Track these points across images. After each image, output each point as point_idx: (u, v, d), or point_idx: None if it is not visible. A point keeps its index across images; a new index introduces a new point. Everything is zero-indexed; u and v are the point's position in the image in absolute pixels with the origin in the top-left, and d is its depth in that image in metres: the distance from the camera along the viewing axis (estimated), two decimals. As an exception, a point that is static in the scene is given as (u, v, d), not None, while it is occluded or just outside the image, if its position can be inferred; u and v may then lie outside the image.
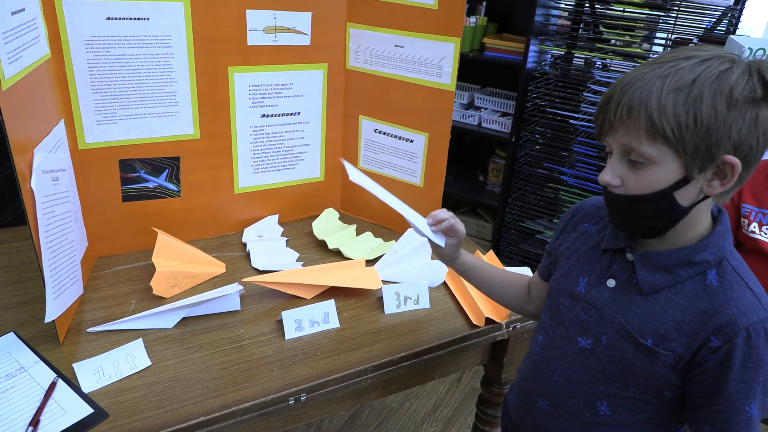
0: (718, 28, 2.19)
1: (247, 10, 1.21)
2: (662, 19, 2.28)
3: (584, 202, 0.87)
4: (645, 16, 2.29)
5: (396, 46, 1.29)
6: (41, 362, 0.95)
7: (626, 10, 2.31)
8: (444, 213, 0.94)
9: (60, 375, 0.93)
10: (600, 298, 0.77)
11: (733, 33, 2.24)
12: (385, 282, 1.21)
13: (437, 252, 0.97)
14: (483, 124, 2.59)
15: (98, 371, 0.93)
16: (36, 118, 0.95)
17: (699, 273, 0.70)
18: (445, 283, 1.28)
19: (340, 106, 1.43)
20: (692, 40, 2.23)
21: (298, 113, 1.38)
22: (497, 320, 1.14)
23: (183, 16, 1.15)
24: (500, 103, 2.62)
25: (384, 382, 1.09)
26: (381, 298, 1.18)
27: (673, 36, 2.27)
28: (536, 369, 0.86)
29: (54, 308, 0.95)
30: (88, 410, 0.87)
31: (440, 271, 1.28)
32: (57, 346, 1.00)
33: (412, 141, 1.36)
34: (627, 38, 2.43)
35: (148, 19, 1.12)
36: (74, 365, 0.93)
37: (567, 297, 0.82)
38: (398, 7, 1.26)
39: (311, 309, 1.10)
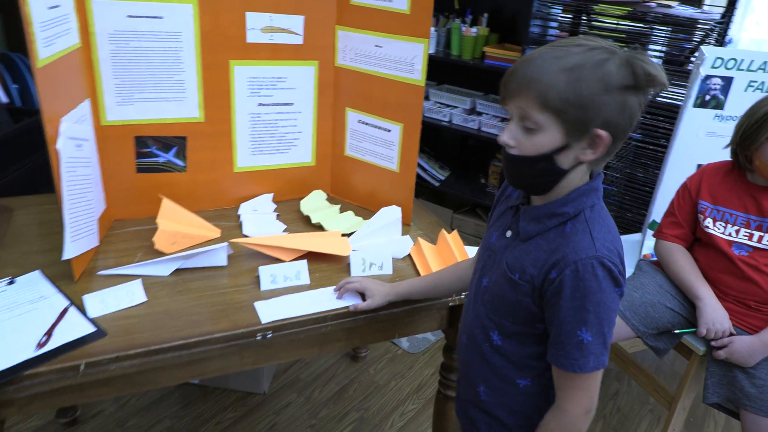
0: (707, 40, 2.31)
1: (246, 12, 1.41)
2: (654, 32, 2.40)
3: None
4: (637, 29, 2.42)
5: (376, 46, 1.47)
6: (59, 293, 1.16)
7: (619, 23, 2.45)
8: (352, 285, 1.21)
9: (72, 303, 1.13)
10: (498, 245, 0.93)
11: (722, 45, 2.35)
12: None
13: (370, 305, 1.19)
14: (482, 128, 2.75)
15: (103, 301, 1.13)
16: (64, 94, 1.17)
17: (561, 223, 0.84)
18: (410, 255, 1.44)
19: (329, 99, 1.62)
20: (683, 53, 2.35)
21: (292, 104, 1.57)
22: (448, 295, 1.30)
23: (192, 16, 1.36)
24: (500, 109, 2.78)
25: (345, 333, 1.26)
26: (350, 265, 1.35)
27: (665, 47, 2.39)
28: (464, 312, 1.03)
29: (70, 250, 1.16)
30: (92, 329, 1.07)
31: (406, 245, 1.44)
32: (72, 283, 1.21)
33: (389, 131, 1.54)
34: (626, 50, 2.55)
35: (162, 17, 1.33)
36: (84, 297, 1.14)
37: (484, 248, 0.98)
38: (378, 12, 1.44)
39: (285, 266, 1.28)
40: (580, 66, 0.76)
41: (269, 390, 2.06)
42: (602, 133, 0.78)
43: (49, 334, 1.04)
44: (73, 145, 1.18)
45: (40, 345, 1.01)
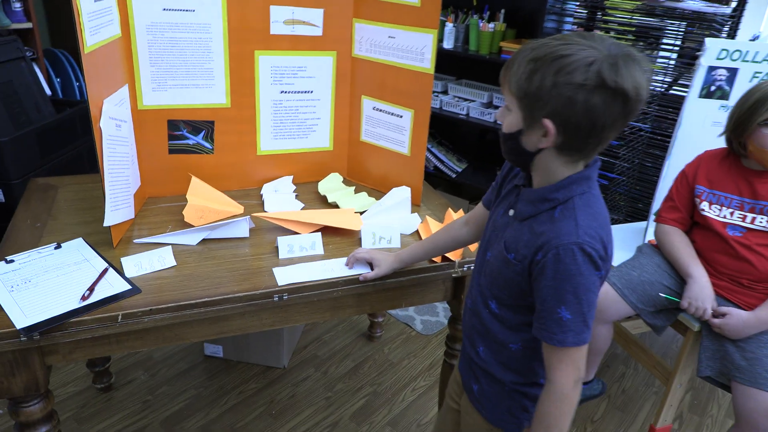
0: (720, 34, 2.35)
1: (270, 6, 1.54)
2: (668, 26, 2.45)
3: None
4: (649, 23, 2.47)
5: (389, 37, 1.58)
6: (99, 257, 1.30)
7: (634, 17, 2.51)
8: (361, 253, 1.33)
9: (111, 265, 1.27)
10: (502, 222, 1.02)
11: (733, 38, 2.39)
12: (366, 226, 1.50)
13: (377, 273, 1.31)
14: (498, 122, 2.83)
15: (138, 264, 1.27)
16: (107, 79, 1.31)
17: (551, 207, 0.90)
18: (417, 231, 1.54)
19: (347, 87, 1.73)
20: (699, 46, 2.39)
21: (311, 91, 1.69)
22: (452, 258, 1.40)
23: (221, 9, 1.49)
24: (516, 102, 2.85)
25: (356, 299, 1.37)
26: (361, 239, 1.46)
27: (679, 42, 2.44)
28: (471, 279, 1.13)
29: (110, 218, 1.30)
30: (128, 287, 1.20)
31: (414, 222, 1.55)
32: (111, 249, 1.34)
33: (401, 116, 1.65)
34: (641, 45, 2.61)
35: (194, 10, 1.47)
36: (121, 259, 1.28)
37: (490, 223, 1.07)
38: (391, 5, 1.55)
39: (302, 238, 1.40)
40: (542, 58, 0.82)
41: (288, 365, 2.19)
42: (547, 122, 0.84)
43: (91, 289, 1.17)
44: (114, 125, 1.32)
45: (84, 298, 1.14)
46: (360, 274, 1.31)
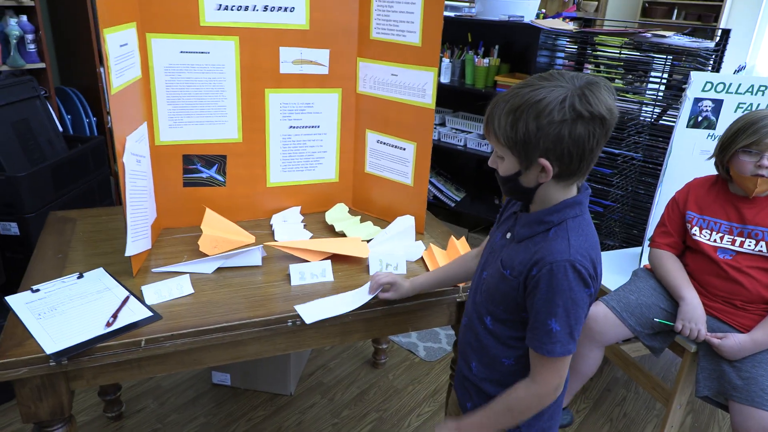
0: (705, 68, 2.47)
1: (280, 47, 1.64)
2: (655, 61, 2.57)
3: None
4: (640, 58, 2.59)
5: (392, 74, 1.68)
6: (120, 286, 1.36)
7: (622, 53, 2.63)
8: (383, 278, 1.33)
9: (132, 294, 1.33)
10: (499, 244, 1.10)
11: (718, 70, 2.51)
12: (373, 253, 1.56)
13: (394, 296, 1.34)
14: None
15: (158, 292, 1.33)
16: (129, 117, 1.39)
17: (546, 229, 0.98)
18: (422, 258, 1.61)
19: (351, 121, 1.82)
20: (686, 79, 2.51)
21: (318, 126, 1.78)
22: (456, 284, 1.47)
23: (234, 51, 1.59)
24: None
25: (364, 324, 1.43)
26: (369, 266, 1.53)
27: (666, 75, 2.56)
28: (468, 298, 1.21)
29: (131, 248, 1.36)
30: (149, 313, 1.26)
31: (419, 249, 1.62)
32: (131, 278, 1.40)
33: (404, 149, 1.73)
34: (630, 77, 2.73)
35: (209, 52, 1.56)
36: (142, 287, 1.34)
37: (488, 246, 1.16)
38: (394, 45, 1.65)
39: (312, 265, 1.46)
40: (519, 108, 0.90)
41: (295, 392, 2.22)
42: (543, 161, 0.92)
43: (114, 316, 1.23)
44: (135, 160, 1.40)
45: (108, 324, 1.20)
46: (378, 295, 1.35)
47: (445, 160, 3.48)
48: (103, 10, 1.21)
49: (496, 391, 1.10)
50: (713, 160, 1.67)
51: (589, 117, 0.89)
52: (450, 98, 3.41)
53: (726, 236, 1.61)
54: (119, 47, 1.30)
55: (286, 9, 1.59)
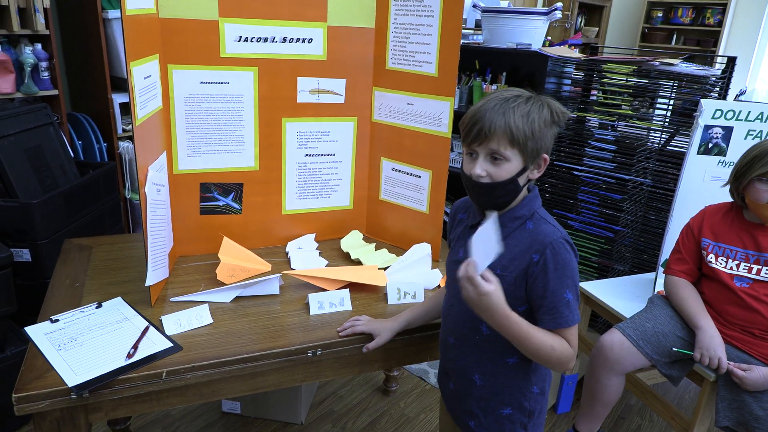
0: (710, 93, 2.49)
1: (298, 77, 1.66)
2: (662, 86, 2.60)
3: (456, 203, 1.27)
4: (647, 84, 2.62)
5: (408, 104, 1.70)
6: (139, 316, 1.36)
7: (629, 79, 2.66)
8: (360, 327, 1.34)
9: (151, 324, 1.32)
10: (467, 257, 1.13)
11: (724, 98, 2.53)
12: (391, 282, 1.56)
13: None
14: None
15: (177, 322, 1.32)
16: (151, 147, 1.40)
17: (521, 224, 1.09)
18: (440, 285, 1.61)
19: (366, 149, 1.83)
20: (694, 106, 2.53)
21: (334, 154, 1.79)
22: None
23: (252, 81, 1.60)
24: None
25: (384, 354, 1.42)
26: (387, 294, 1.53)
27: (672, 102, 2.58)
28: (445, 318, 1.24)
29: (152, 277, 1.36)
30: (169, 345, 1.25)
31: (436, 277, 1.61)
32: (149, 307, 1.40)
33: (420, 177, 1.74)
34: (636, 103, 2.75)
35: (228, 83, 1.58)
36: (161, 317, 1.33)
37: (453, 264, 1.18)
38: (409, 75, 1.67)
39: (331, 294, 1.46)
40: (529, 112, 1.04)
41: (306, 421, 2.19)
42: (546, 156, 1.07)
43: (135, 347, 1.22)
44: (155, 189, 1.40)
45: (129, 356, 1.19)
46: (363, 347, 1.34)
47: (453, 185, 3.48)
48: (131, 45, 1.23)
49: (500, 405, 1.16)
50: (727, 187, 1.68)
51: (559, 121, 1.07)
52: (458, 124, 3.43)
53: (742, 264, 1.61)
54: (143, 79, 1.31)
55: (304, 40, 1.62)
